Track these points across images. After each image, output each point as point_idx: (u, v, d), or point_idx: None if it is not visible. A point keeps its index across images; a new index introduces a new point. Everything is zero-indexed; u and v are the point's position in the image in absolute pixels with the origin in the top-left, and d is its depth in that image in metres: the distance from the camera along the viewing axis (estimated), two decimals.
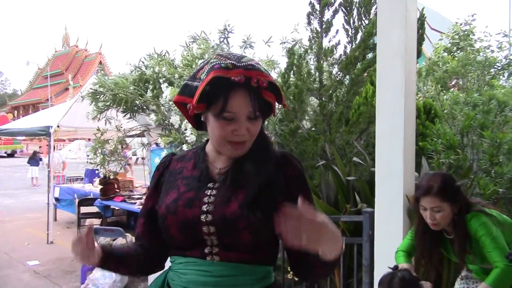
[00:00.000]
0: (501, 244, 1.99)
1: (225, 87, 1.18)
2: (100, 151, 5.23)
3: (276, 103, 1.28)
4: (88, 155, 8.04)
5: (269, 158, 1.29)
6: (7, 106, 45.54)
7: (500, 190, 3.86)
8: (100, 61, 38.79)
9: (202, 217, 1.22)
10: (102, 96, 4.76)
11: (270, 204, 1.20)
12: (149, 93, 4.70)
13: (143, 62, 5.07)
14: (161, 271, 1.38)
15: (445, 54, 9.62)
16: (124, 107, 4.65)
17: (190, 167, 1.34)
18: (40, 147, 24.01)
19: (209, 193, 1.25)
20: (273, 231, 1.08)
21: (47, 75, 38.17)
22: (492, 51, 10.28)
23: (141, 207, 1.46)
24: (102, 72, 5.31)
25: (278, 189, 1.25)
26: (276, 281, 1.34)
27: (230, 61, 1.19)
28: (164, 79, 4.73)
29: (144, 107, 4.77)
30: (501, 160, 4.31)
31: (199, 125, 1.33)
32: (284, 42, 5.05)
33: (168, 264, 1.37)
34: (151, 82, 4.80)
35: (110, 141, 5.33)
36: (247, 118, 1.21)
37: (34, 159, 16.67)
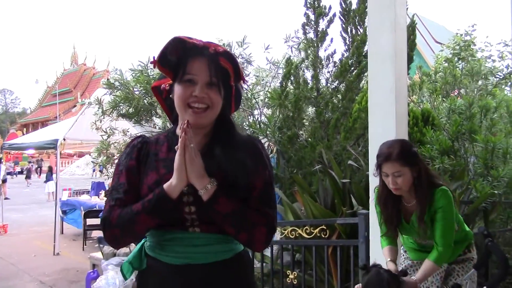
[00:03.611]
0: (451, 230, 2.13)
1: (186, 53, 1.32)
2: (105, 152, 5.37)
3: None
4: (92, 156, 8.20)
5: (235, 141, 1.41)
6: (17, 124, 46.18)
7: (496, 192, 3.90)
8: (108, 78, 39.27)
9: (184, 198, 1.33)
10: (116, 90, 4.92)
11: (244, 181, 1.34)
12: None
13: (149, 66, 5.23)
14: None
15: (446, 64, 9.70)
16: (132, 109, 4.79)
17: (164, 149, 1.43)
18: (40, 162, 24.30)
19: None
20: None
21: (56, 93, 38.74)
22: (494, 61, 10.37)
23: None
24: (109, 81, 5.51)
25: (249, 167, 1.36)
26: (244, 249, 1.47)
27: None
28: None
29: (150, 109, 4.92)
30: (496, 163, 4.36)
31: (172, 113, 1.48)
32: (287, 41, 5.19)
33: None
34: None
35: (116, 144, 5.48)
36: (206, 84, 1.33)
37: (51, 175, 16.86)
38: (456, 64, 9.78)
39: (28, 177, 24.56)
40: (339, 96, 5.00)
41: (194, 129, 1.32)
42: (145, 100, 4.97)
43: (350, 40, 5.15)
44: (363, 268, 2.11)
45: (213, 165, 1.33)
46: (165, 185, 1.29)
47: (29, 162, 30.07)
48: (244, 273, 1.45)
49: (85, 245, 8.28)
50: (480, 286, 1.88)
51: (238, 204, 1.32)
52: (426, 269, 2.08)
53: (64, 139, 8.08)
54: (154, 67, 1.38)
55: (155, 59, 1.33)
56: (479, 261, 2.01)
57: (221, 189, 1.30)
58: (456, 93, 8.61)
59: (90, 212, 8.52)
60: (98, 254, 6.15)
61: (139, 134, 1.61)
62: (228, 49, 1.38)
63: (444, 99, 7.38)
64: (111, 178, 1.55)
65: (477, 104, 5.00)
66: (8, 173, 25.61)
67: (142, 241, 1.46)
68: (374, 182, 3.29)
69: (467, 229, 2.28)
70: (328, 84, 5.08)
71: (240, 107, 5.64)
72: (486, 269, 3.45)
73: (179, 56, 1.33)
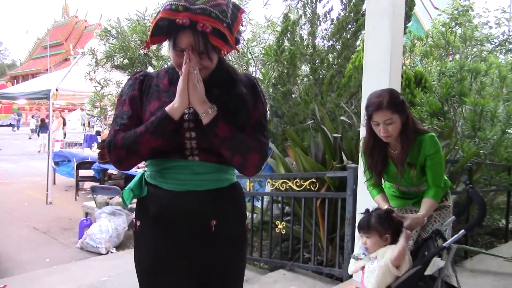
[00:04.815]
0: (442, 171, 2.29)
1: (174, 27, 1.35)
2: (98, 104, 5.38)
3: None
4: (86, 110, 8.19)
5: (235, 78, 1.50)
6: (7, 76, 45.40)
7: (482, 151, 4.02)
8: (104, 27, 38.46)
9: (185, 124, 1.41)
10: (112, 38, 4.89)
11: (241, 115, 1.44)
12: (152, 47, 4.84)
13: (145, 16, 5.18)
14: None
15: (443, 29, 9.66)
16: (127, 61, 4.77)
17: (166, 82, 1.50)
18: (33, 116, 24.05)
19: (187, 111, 1.42)
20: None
21: (47, 45, 37.93)
22: (490, 27, 10.32)
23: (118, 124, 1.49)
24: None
25: (246, 103, 1.47)
26: (238, 181, 1.60)
27: (182, 3, 1.35)
28: None
29: (145, 61, 4.91)
30: (483, 125, 4.47)
31: None
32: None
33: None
34: None
35: (109, 95, 5.48)
36: (196, 55, 1.38)
37: (44, 127, 16.75)
38: (453, 29, 9.76)
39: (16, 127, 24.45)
40: (335, 54, 5.01)
41: None
42: (140, 51, 4.95)
43: None
44: (365, 213, 2.21)
45: (213, 101, 1.41)
46: (167, 107, 1.38)
47: (18, 115, 29.67)
48: (238, 201, 1.57)
49: (78, 195, 8.38)
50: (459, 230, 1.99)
51: (235, 129, 1.41)
52: (428, 205, 2.21)
53: (56, 90, 8.01)
54: (146, 48, 1.49)
55: (146, 41, 1.43)
56: (460, 209, 2.12)
57: (220, 115, 1.38)
58: (451, 59, 8.63)
59: (83, 164, 8.59)
60: (91, 203, 6.27)
61: (141, 70, 1.66)
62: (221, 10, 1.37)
63: (437, 62, 7.42)
64: (109, 121, 1.64)
65: (468, 67, 5.06)
66: (10, 125, 25.43)
67: (142, 171, 1.55)
68: (363, 135, 3.38)
69: (445, 177, 2.39)
70: (324, 42, 5.09)
71: (236, 62, 5.66)
72: (467, 216, 3.63)
73: (170, 23, 1.36)
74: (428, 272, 1.94)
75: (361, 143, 2.51)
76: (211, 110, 1.38)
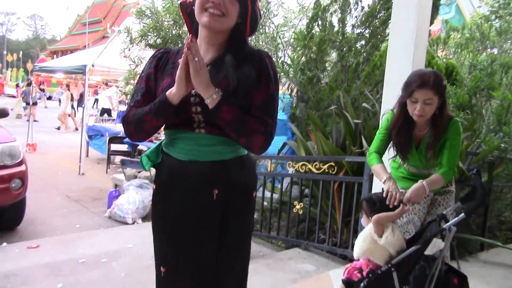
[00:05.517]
0: (457, 155, 2.36)
1: None
2: (132, 82, 5.59)
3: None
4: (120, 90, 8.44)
5: (244, 54, 1.56)
6: (46, 50, 46.67)
7: (503, 145, 4.02)
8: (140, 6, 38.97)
9: (192, 99, 1.52)
10: (146, 18, 5.06)
11: (245, 91, 1.52)
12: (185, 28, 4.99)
13: None
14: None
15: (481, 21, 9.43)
16: (160, 40, 4.93)
17: None
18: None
19: None
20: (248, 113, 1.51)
21: (86, 22, 38.71)
22: None
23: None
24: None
25: (252, 78, 1.53)
26: (247, 155, 1.66)
27: None
28: None
29: (178, 41, 5.06)
30: (510, 120, 4.45)
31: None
32: None
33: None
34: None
35: None
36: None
37: (82, 101, 17.25)
38: (492, 22, 9.50)
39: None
40: (363, 42, 5.05)
41: (210, 38, 1.54)
42: (173, 31, 5.12)
43: None
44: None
45: (221, 72, 1.51)
46: (167, 92, 1.49)
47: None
48: (244, 173, 1.63)
49: (109, 168, 8.73)
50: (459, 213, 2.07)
51: (240, 113, 1.48)
52: (434, 178, 2.27)
53: (92, 65, 8.32)
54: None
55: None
56: (467, 195, 2.19)
57: (225, 98, 1.46)
58: (489, 52, 8.44)
59: (115, 138, 8.92)
60: (121, 176, 6.56)
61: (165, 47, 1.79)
62: None
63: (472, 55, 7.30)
64: None
65: (500, 61, 5.01)
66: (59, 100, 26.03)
67: (161, 140, 1.69)
68: None
69: (460, 164, 2.46)
70: (354, 29, 5.12)
71: (265, 46, 5.76)
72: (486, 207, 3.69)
73: None
74: (428, 252, 2.05)
75: (383, 119, 2.55)
76: (216, 95, 1.45)
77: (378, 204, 2.20)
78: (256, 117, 1.52)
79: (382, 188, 2.28)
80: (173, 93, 1.47)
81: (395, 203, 2.14)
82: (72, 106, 16.74)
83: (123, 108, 16.07)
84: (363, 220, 2.30)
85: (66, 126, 15.79)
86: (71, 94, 16.32)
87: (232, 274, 1.66)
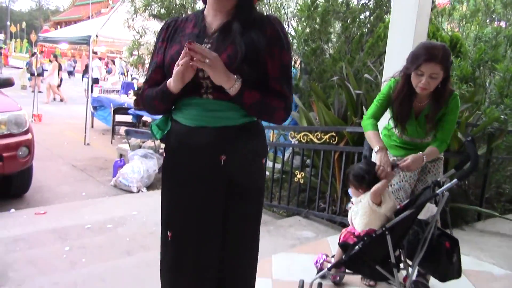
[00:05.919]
0: (453, 129, 2.44)
1: None
2: (136, 52, 5.60)
3: None
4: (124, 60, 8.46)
5: (252, 21, 1.58)
6: (50, 21, 46.31)
7: (503, 117, 4.04)
8: None
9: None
10: None
11: (253, 57, 1.53)
12: None
13: None
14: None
15: None
16: (164, 10, 4.92)
17: (191, 26, 1.65)
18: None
19: (205, 47, 1.55)
20: (255, 79, 1.53)
21: None
22: None
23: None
24: None
25: (260, 44, 1.54)
26: (257, 121, 1.66)
27: None
28: None
29: (181, 11, 5.05)
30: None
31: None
32: None
33: None
34: None
35: (147, 44, 5.68)
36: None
37: (87, 72, 17.17)
38: None
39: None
40: (368, 13, 5.02)
41: (218, 4, 1.57)
42: (177, 1, 5.10)
43: None
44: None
45: (229, 39, 1.54)
46: (168, 82, 1.56)
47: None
48: (252, 139, 1.64)
49: (113, 139, 8.81)
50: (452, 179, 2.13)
51: (259, 95, 1.53)
52: (431, 150, 2.36)
53: (97, 36, 8.32)
54: None
55: None
56: (460, 162, 2.24)
57: (245, 85, 1.50)
58: (497, 25, 8.33)
59: (119, 109, 8.98)
60: (125, 146, 6.65)
61: (173, 17, 1.82)
62: None
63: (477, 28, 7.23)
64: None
65: (505, 33, 4.97)
66: (69, 72, 25.95)
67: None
68: None
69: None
70: (359, 0, 5.09)
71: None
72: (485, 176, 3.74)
73: None
74: (422, 216, 2.12)
75: (385, 86, 2.54)
76: (237, 84, 1.48)
77: (367, 176, 2.27)
78: (275, 92, 1.57)
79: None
80: (172, 86, 1.54)
81: (388, 169, 2.22)
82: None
83: (114, 78, 15.99)
84: (351, 191, 2.38)
85: (60, 96, 15.74)
86: (59, 65, 15.98)
87: (243, 239, 1.67)
